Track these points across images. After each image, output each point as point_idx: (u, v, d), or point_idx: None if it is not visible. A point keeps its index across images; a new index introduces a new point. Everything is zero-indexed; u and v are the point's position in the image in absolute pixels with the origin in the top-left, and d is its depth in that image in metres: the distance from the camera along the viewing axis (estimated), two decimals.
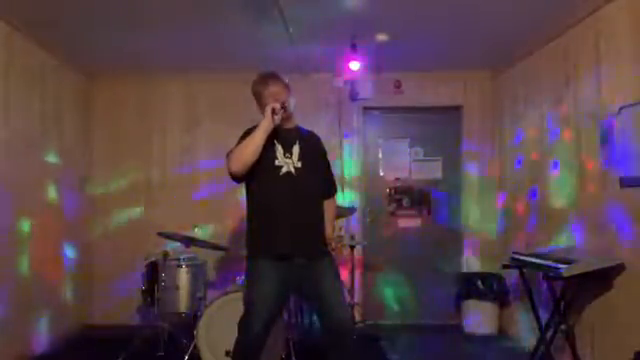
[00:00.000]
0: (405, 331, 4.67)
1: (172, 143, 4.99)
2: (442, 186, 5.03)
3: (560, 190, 3.65)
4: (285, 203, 2.55)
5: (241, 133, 2.65)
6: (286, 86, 2.67)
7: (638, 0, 2.85)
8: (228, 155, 2.56)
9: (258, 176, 2.54)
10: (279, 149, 2.59)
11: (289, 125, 2.69)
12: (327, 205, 2.76)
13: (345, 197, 4.77)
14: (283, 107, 2.55)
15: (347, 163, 4.91)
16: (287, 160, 2.58)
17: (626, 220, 2.92)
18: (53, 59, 4.24)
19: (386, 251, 5.00)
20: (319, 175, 2.71)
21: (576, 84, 3.46)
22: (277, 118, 2.52)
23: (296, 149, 2.61)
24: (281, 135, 2.61)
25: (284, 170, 2.57)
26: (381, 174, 5.09)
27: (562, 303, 3.25)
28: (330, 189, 2.82)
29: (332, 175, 2.86)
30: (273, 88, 2.62)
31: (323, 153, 2.80)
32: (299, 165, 2.59)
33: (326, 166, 2.81)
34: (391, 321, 4.88)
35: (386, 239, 5.02)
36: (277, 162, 2.57)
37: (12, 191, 3.66)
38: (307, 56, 4.20)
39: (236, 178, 2.55)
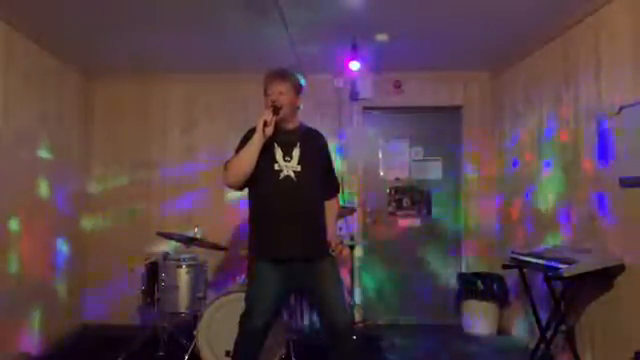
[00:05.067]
0: (405, 331, 4.67)
1: (172, 143, 4.99)
2: (442, 186, 5.03)
3: (560, 190, 3.66)
4: (284, 207, 2.54)
5: (241, 133, 2.65)
6: (294, 86, 2.63)
7: (638, 0, 2.85)
8: (225, 166, 2.56)
9: (257, 180, 2.54)
10: (279, 152, 2.57)
11: (291, 125, 2.67)
12: (329, 206, 2.74)
13: (345, 197, 4.76)
14: (276, 112, 2.52)
15: (347, 163, 4.90)
16: (286, 164, 2.57)
17: (626, 220, 2.92)
18: (53, 59, 4.24)
19: (386, 251, 5.01)
20: (320, 177, 2.67)
21: (576, 84, 3.46)
22: (269, 130, 2.49)
23: (296, 152, 2.59)
24: (281, 137, 2.59)
25: (283, 174, 2.56)
26: (381, 174, 5.09)
27: (562, 303, 3.25)
28: (331, 190, 2.79)
29: (334, 175, 2.83)
30: (275, 87, 2.59)
31: (325, 153, 2.77)
32: (299, 169, 2.57)
33: (328, 166, 2.78)
34: (391, 321, 4.88)
35: (386, 239, 5.03)
36: (276, 166, 2.55)
37: (12, 190, 3.67)
38: (307, 56, 4.19)
39: (234, 189, 2.56)
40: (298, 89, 2.66)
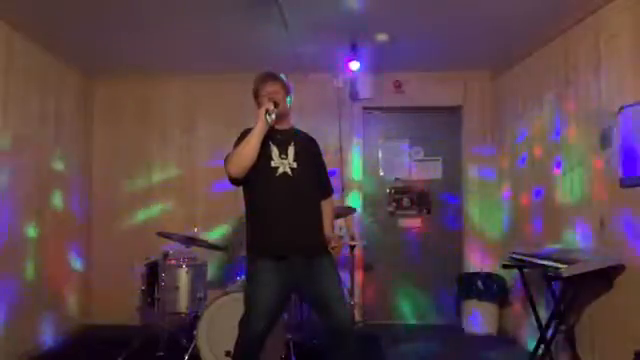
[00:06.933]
0: (405, 331, 4.67)
1: (172, 143, 4.99)
2: (442, 186, 5.03)
3: (560, 190, 3.65)
4: (282, 204, 2.56)
5: (240, 133, 2.66)
6: (285, 87, 2.70)
7: (638, 0, 2.85)
8: (226, 159, 2.57)
9: (255, 178, 2.55)
10: (274, 150, 2.60)
11: (284, 126, 2.71)
12: (325, 205, 2.77)
13: (345, 197, 4.77)
14: (276, 106, 2.56)
15: (347, 163, 4.90)
16: (283, 161, 2.59)
17: (626, 220, 2.92)
18: (53, 59, 4.24)
19: (386, 251, 5.01)
20: (315, 175, 2.72)
21: (576, 84, 3.46)
22: (270, 119, 2.53)
23: (291, 150, 2.63)
24: (276, 136, 2.63)
25: (280, 171, 2.58)
26: (381, 174, 5.09)
27: (562, 303, 3.25)
28: (327, 189, 2.83)
29: (328, 177, 2.87)
30: (269, 88, 2.66)
31: (318, 154, 2.81)
32: (295, 166, 2.60)
33: (322, 167, 2.82)
34: (391, 321, 4.88)
35: (386, 239, 5.03)
36: (273, 163, 2.58)
37: (13, 192, 3.67)
38: (307, 56, 4.19)
39: (235, 182, 2.56)
40: (288, 90, 2.72)
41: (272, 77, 2.70)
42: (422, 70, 4.81)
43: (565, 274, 2.87)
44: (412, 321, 4.91)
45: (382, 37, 3.91)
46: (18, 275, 3.76)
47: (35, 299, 3.95)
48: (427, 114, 5.08)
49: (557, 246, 3.55)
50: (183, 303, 3.74)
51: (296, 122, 2.85)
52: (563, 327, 3.27)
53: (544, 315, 3.43)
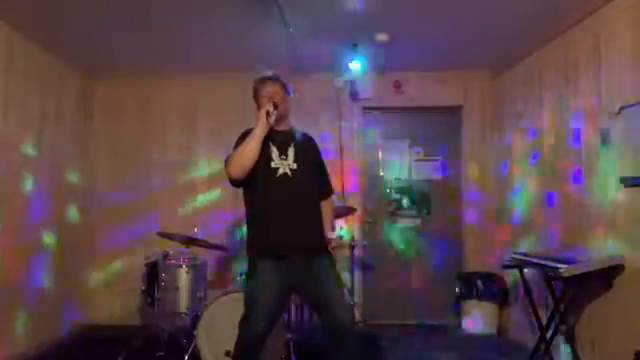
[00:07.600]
0: (405, 331, 4.67)
1: (172, 143, 4.99)
2: (442, 186, 5.03)
3: (560, 190, 3.65)
4: (282, 204, 2.57)
5: (240, 134, 2.67)
6: (284, 87, 2.72)
7: (638, 1, 2.85)
8: (227, 160, 2.58)
9: (255, 178, 2.55)
10: (274, 151, 2.61)
11: (284, 127, 2.72)
12: (325, 205, 2.78)
13: (345, 197, 4.77)
14: (275, 107, 2.57)
15: (347, 163, 4.89)
16: (283, 162, 2.60)
17: (626, 220, 2.92)
18: (53, 59, 4.24)
19: (386, 251, 5.01)
20: (315, 176, 2.73)
21: (576, 84, 3.46)
22: (271, 119, 2.54)
23: (291, 151, 2.64)
24: (276, 137, 2.64)
25: (280, 172, 2.58)
26: (381, 174, 5.09)
27: (562, 303, 3.25)
28: (327, 190, 2.84)
29: (328, 176, 2.88)
30: (269, 88, 2.68)
31: (318, 154, 2.82)
32: (295, 167, 2.61)
33: (321, 167, 2.83)
34: (391, 321, 4.88)
35: (386, 239, 5.02)
36: (273, 164, 2.59)
37: (13, 190, 3.67)
38: (307, 56, 4.19)
39: (235, 183, 2.57)
40: (287, 91, 2.75)
41: (270, 78, 2.72)
42: (422, 70, 4.82)
43: (565, 274, 2.87)
44: (412, 321, 4.91)
45: (382, 37, 3.91)
46: (19, 275, 3.76)
47: (35, 299, 3.95)
48: (427, 114, 5.08)
49: (557, 246, 3.55)
50: (183, 303, 3.74)
51: (296, 122, 2.86)
52: (563, 327, 3.27)
53: (544, 315, 3.43)
